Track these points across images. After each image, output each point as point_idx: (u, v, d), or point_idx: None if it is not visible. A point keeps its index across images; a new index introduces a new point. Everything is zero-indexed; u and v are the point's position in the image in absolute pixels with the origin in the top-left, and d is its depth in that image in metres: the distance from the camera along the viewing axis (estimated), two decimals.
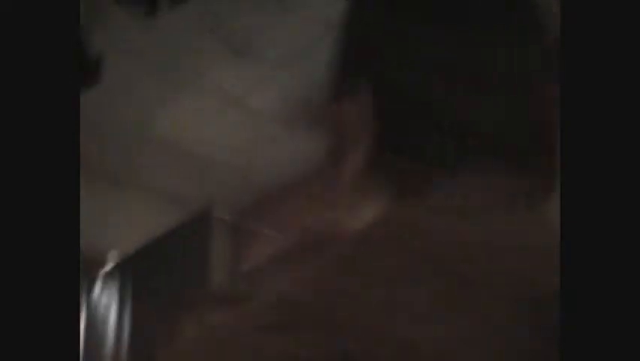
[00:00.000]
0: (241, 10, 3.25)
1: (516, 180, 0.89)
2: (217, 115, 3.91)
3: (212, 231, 4.60)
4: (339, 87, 0.81)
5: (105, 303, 5.09)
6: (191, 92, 3.76)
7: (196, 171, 4.36)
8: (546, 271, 0.82)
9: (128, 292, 4.94)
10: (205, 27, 3.34)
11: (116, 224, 4.84)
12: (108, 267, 5.08)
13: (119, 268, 5.03)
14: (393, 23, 0.79)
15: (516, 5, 0.97)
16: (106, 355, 4.87)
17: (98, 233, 4.71)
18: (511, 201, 0.87)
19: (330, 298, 0.58)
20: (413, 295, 0.60)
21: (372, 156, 0.77)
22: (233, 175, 4.34)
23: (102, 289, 5.10)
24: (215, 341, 0.61)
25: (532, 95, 1.00)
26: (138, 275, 4.91)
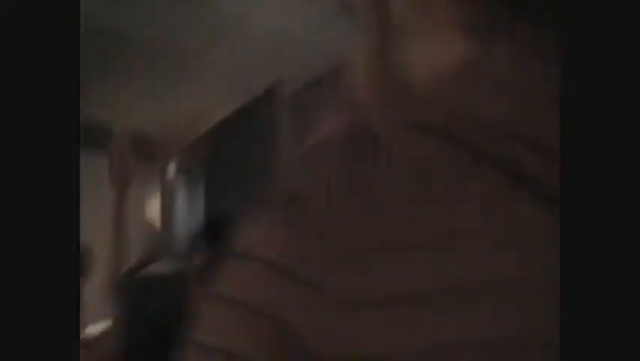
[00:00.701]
0: None
1: None
2: None
3: (276, 111, 4.62)
4: None
5: (175, 186, 5.22)
6: None
7: (261, 53, 4.33)
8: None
9: (199, 173, 5.06)
10: None
11: (179, 109, 4.90)
12: (178, 149, 5.18)
13: (188, 152, 5.12)
14: None
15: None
16: (178, 232, 5.03)
17: (162, 116, 4.79)
18: None
19: None
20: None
21: None
22: (296, 55, 4.29)
23: (174, 172, 5.22)
24: None
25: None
26: (208, 159, 5.00)
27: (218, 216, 2.63)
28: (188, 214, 5.18)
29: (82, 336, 2.45)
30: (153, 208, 5.00)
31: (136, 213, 3.28)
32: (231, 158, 4.80)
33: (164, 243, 4.17)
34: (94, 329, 2.60)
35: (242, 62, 4.44)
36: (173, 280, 2.27)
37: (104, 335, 2.43)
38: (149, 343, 1.87)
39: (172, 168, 5.24)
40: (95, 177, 3.32)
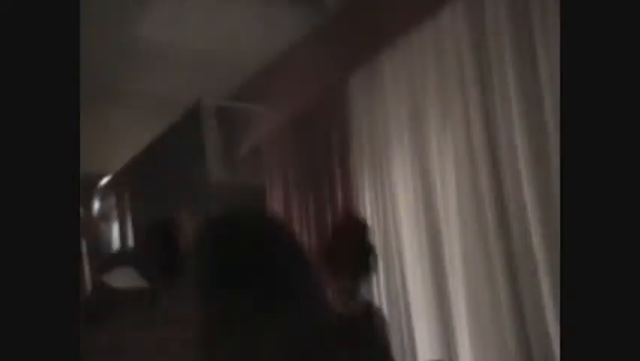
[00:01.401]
0: None
1: None
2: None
3: (204, 122, 4.46)
4: None
5: (104, 215, 5.01)
6: None
7: (184, 69, 4.18)
8: None
9: (125, 200, 4.86)
10: None
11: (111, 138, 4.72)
12: (105, 179, 4.97)
13: (116, 179, 4.93)
14: None
15: None
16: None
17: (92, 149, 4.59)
18: None
19: None
20: None
21: None
22: (220, 64, 4.16)
23: (101, 201, 5.01)
24: None
25: None
26: (135, 183, 4.82)
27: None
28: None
29: None
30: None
31: None
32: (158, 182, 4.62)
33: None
34: None
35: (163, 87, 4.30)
36: None
37: None
38: None
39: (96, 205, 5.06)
40: None
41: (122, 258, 2.47)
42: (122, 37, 3.78)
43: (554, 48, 2.77)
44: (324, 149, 3.77)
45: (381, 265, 3.34)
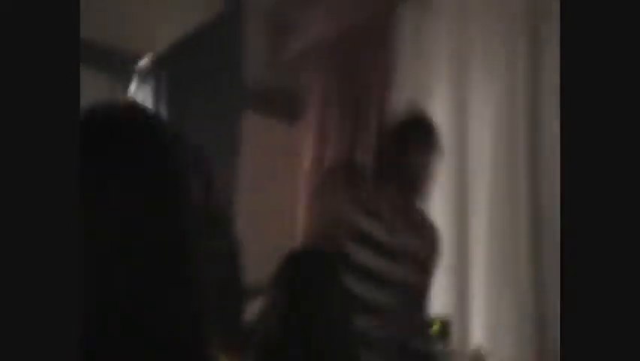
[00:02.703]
0: None
1: None
2: None
3: (245, 23, 4.39)
4: None
5: (141, 100, 5.03)
6: None
7: None
8: None
9: (164, 88, 4.87)
10: None
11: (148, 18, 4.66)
12: (143, 63, 4.95)
13: (154, 64, 4.90)
14: None
15: None
16: None
17: (129, 28, 4.55)
18: None
19: None
20: None
21: None
22: None
23: (138, 86, 5.01)
24: None
25: None
26: (173, 71, 4.80)
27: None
28: None
29: None
30: None
31: None
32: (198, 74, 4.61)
33: None
34: None
35: None
36: None
37: None
38: None
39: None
40: None
41: None
42: None
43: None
44: (365, 75, 3.73)
45: None
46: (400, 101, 3.57)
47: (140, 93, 4.99)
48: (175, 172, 0.96)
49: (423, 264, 2.51)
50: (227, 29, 4.40)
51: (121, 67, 4.85)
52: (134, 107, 1.11)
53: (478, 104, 3.19)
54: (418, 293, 2.48)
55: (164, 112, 4.80)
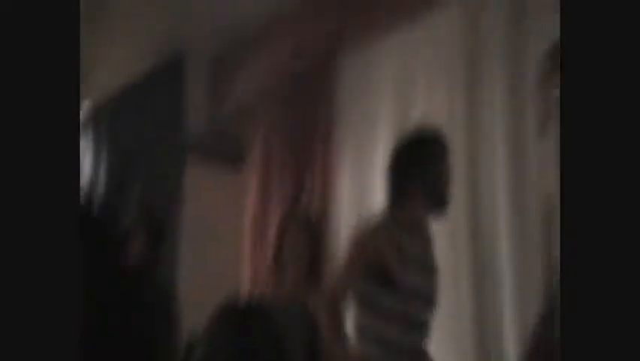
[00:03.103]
0: None
1: None
2: None
3: (187, 73, 4.40)
4: None
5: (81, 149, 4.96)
6: None
7: (171, 15, 4.09)
8: None
9: (103, 140, 4.82)
10: None
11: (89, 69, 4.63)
12: (82, 117, 4.91)
13: (94, 116, 4.87)
14: None
15: None
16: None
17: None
18: None
19: None
20: None
21: None
22: (209, 17, 4.07)
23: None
24: None
25: None
26: (113, 123, 4.77)
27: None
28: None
29: None
30: None
31: None
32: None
33: None
34: None
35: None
36: None
37: None
38: None
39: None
40: None
41: None
42: None
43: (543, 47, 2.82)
44: (310, 120, 3.78)
45: None
46: (345, 146, 3.62)
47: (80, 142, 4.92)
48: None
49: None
50: (169, 78, 4.41)
51: None
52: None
53: None
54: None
55: (104, 161, 4.74)
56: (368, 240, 2.39)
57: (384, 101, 3.43)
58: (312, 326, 2.73)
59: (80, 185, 0.90)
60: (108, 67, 4.54)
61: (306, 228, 2.88)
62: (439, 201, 2.46)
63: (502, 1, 2.98)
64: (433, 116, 3.15)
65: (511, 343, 2.74)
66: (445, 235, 2.90)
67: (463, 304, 2.92)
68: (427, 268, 2.47)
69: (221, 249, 4.05)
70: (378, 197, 3.36)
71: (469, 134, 3.06)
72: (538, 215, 2.72)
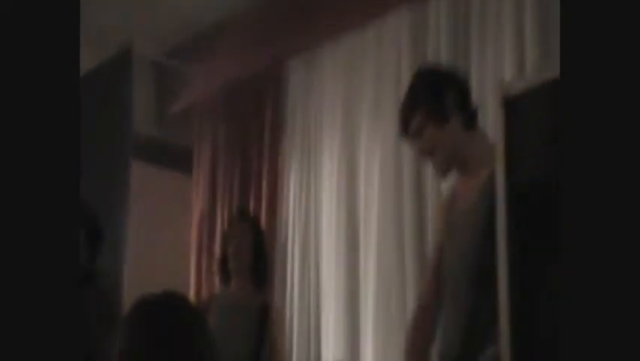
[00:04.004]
0: None
1: None
2: None
3: (133, 70, 4.31)
4: None
5: None
6: None
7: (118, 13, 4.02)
8: None
9: None
10: None
11: None
12: None
13: None
14: None
15: None
16: None
17: None
18: None
19: None
20: None
21: None
22: (161, 12, 4.01)
23: None
24: None
25: None
26: None
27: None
28: None
29: None
30: None
31: None
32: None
33: None
34: None
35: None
36: None
37: None
38: None
39: None
40: None
41: None
42: None
43: (490, 57, 2.86)
44: (256, 126, 3.77)
45: (298, 255, 3.43)
46: (292, 152, 3.63)
47: None
48: None
49: None
50: (114, 77, 4.32)
51: None
52: None
53: (368, 151, 3.27)
54: None
55: None
56: None
57: (333, 107, 3.45)
58: (259, 323, 2.73)
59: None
60: None
61: (251, 235, 2.86)
62: None
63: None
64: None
65: None
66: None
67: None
68: None
69: (167, 254, 4.00)
70: (325, 204, 3.39)
71: None
72: None
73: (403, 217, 3.07)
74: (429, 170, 3.03)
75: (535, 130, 1.48)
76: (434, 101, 1.98)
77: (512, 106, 1.51)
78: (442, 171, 2.05)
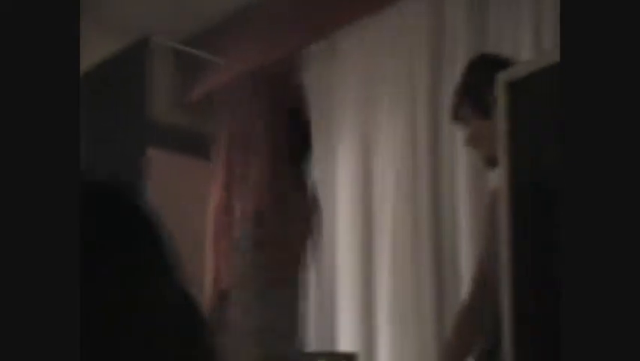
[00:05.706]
0: None
1: None
2: None
3: (153, 58, 4.34)
4: None
5: None
6: None
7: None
8: None
9: None
10: None
11: None
12: None
13: None
14: None
15: None
16: None
17: None
18: None
19: None
20: None
21: None
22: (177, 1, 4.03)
23: None
24: None
25: None
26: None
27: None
28: None
29: None
30: None
31: None
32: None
33: None
34: None
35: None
36: None
37: None
38: None
39: None
40: None
41: None
42: None
43: (508, 40, 2.85)
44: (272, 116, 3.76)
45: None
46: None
47: None
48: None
49: None
50: (133, 65, 4.35)
51: None
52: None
53: (384, 142, 3.26)
54: None
55: None
56: None
57: (352, 95, 3.45)
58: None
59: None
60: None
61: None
62: None
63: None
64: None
65: None
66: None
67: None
68: None
69: (183, 240, 4.02)
70: (340, 192, 3.38)
71: (430, 134, 3.09)
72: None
73: (418, 207, 3.06)
74: (445, 159, 3.03)
75: (539, 114, 1.47)
76: (482, 93, 1.95)
77: (516, 90, 1.50)
78: (486, 164, 2.02)
